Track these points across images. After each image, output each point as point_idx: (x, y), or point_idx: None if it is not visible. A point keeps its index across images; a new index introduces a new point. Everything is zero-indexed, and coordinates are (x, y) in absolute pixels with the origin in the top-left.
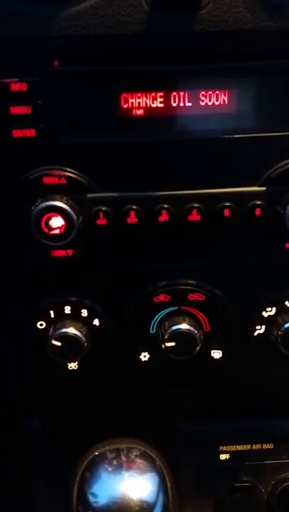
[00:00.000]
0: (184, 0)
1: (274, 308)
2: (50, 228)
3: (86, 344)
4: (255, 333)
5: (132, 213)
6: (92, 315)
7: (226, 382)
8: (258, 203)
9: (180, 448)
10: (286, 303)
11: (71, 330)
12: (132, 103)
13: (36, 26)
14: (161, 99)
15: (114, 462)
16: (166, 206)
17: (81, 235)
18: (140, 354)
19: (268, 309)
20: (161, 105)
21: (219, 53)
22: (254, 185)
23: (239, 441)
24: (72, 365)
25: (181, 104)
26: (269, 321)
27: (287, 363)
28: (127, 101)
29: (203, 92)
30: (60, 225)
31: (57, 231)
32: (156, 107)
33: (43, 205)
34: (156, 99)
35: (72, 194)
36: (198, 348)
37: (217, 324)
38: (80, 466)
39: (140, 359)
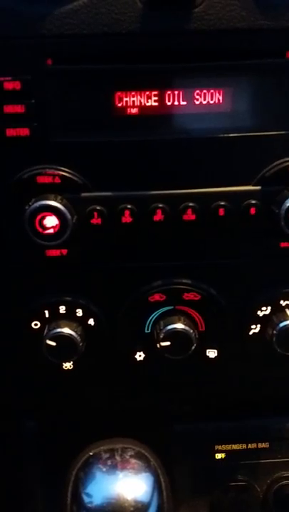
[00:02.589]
0: None
1: (269, 308)
2: (45, 228)
3: (81, 344)
4: (251, 333)
5: (127, 212)
6: (87, 315)
7: (222, 381)
8: (253, 202)
9: (175, 447)
10: (281, 302)
11: (66, 330)
12: (126, 102)
13: (29, 25)
14: (156, 98)
15: (109, 462)
16: (161, 205)
17: (75, 235)
18: (135, 354)
19: (263, 308)
20: (156, 104)
21: (213, 52)
22: (249, 185)
23: (235, 441)
24: (67, 365)
25: (176, 102)
26: (264, 321)
27: (282, 362)
28: (121, 100)
29: (197, 91)
30: (54, 225)
31: (51, 230)
32: (151, 105)
33: (37, 204)
34: (150, 98)
35: (66, 193)
36: (193, 348)
37: (212, 323)
38: (75, 467)
39: (135, 359)
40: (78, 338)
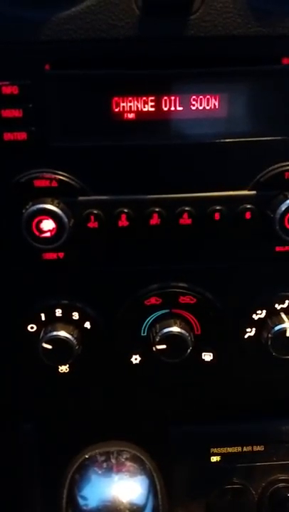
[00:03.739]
0: (175, 5)
1: (264, 311)
2: (41, 231)
3: (77, 347)
4: (246, 336)
5: (124, 216)
6: (84, 318)
7: (217, 384)
8: (248, 206)
9: (171, 450)
10: (276, 306)
11: (62, 333)
12: (124, 107)
13: (28, 30)
14: (153, 103)
15: (104, 465)
16: (157, 209)
17: (72, 238)
18: (131, 357)
19: (259, 312)
20: (153, 109)
21: (210, 58)
22: (244, 189)
23: (230, 443)
24: (63, 368)
25: (172, 108)
26: (259, 324)
27: (277, 365)
28: (118, 105)
29: (194, 97)
30: (51, 228)
31: (48, 234)
32: (148, 111)
33: (34, 207)
34: (147, 103)
35: (63, 197)
36: (189, 351)
37: (208, 327)
38: (70, 469)
39: (131, 361)
40: (74, 341)
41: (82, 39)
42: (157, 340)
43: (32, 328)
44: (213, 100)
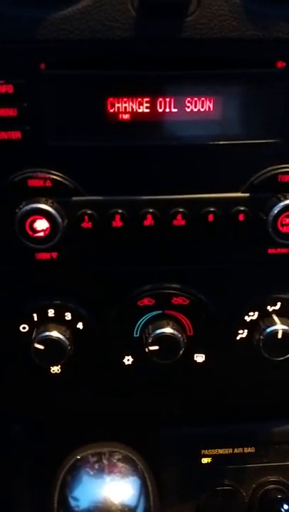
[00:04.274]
0: (171, 7)
1: (256, 313)
2: (35, 231)
3: (69, 348)
4: (238, 338)
5: (117, 217)
6: (76, 318)
7: (209, 385)
8: (242, 208)
9: (163, 451)
10: (268, 308)
11: (54, 333)
12: (119, 108)
13: (24, 29)
14: (148, 105)
15: (96, 466)
16: (151, 210)
17: (66, 238)
18: (124, 358)
19: (251, 314)
20: (147, 110)
21: (205, 60)
22: (238, 192)
23: (221, 445)
24: (55, 369)
25: (167, 109)
26: (251, 326)
27: (268, 367)
28: (113, 105)
29: (188, 99)
30: (44, 228)
31: (41, 234)
32: (143, 112)
33: (28, 207)
34: (142, 105)
35: (57, 197)
36: (181, 352)
37: (200, 328)
38: (62, 470)
39: (124, 362)
40: (66, 341)
41: (78, 39)
42: (150, 341)
43: (24, 328)
44: (208, 102)
